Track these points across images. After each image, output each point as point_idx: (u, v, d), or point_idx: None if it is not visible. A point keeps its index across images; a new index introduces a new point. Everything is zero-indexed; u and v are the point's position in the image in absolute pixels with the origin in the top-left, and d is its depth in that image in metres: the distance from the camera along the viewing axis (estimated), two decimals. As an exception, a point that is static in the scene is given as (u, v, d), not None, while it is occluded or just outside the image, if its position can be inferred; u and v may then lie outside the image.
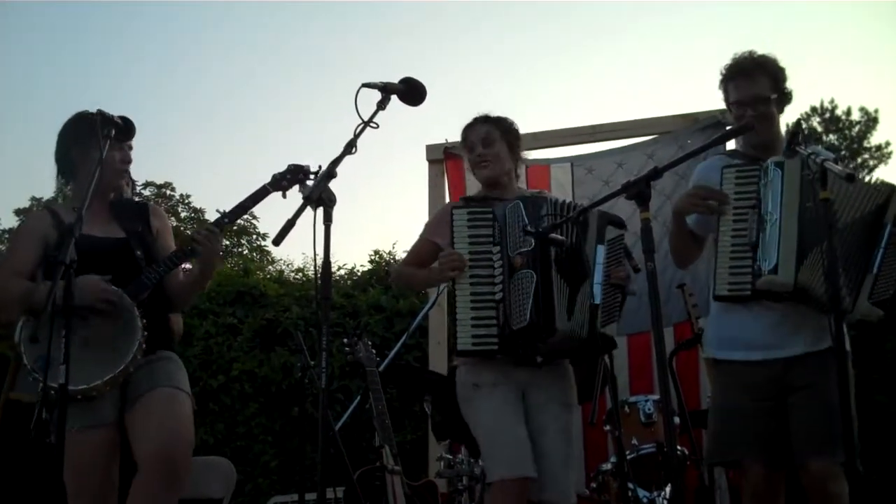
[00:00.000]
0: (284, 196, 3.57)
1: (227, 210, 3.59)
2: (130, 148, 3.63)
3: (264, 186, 3.61)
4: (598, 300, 3.48)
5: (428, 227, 3.93)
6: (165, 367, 3.47)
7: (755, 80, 3.54)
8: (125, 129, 3.47)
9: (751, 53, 3.60)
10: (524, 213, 3.48)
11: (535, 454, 3.44)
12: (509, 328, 3.38)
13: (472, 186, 6.21)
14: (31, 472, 3.85)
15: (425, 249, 3.83)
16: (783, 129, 3.65)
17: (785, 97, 3.62)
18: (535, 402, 3.56)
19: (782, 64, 3.62)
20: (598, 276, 3.51)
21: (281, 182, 3.58)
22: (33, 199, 30.20)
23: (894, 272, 3.37)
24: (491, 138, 3.77)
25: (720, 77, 3.65)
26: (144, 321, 3.36)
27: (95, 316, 3.28)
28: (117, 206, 3.64)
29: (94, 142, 3.34)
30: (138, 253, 3.53)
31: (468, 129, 3.83)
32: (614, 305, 3.57)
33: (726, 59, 3.63)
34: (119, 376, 3.27)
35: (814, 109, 33.12)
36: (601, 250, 3.58)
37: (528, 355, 3.50)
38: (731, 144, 3.95)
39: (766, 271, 3.28)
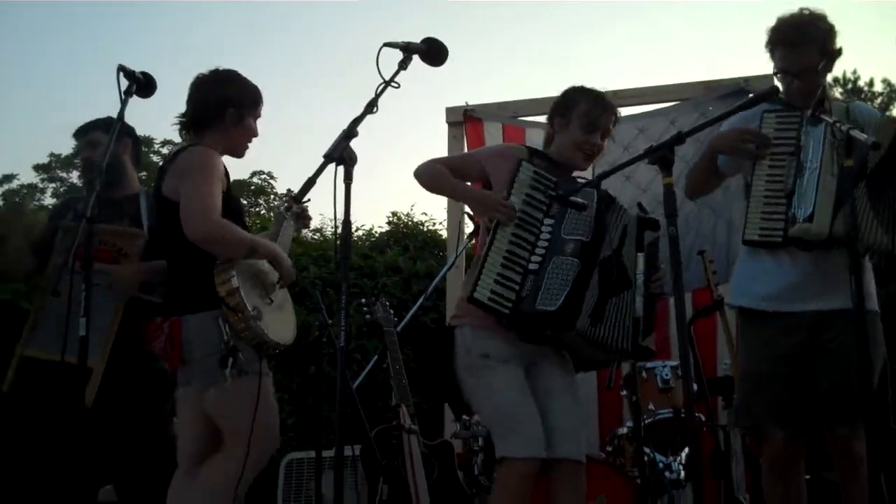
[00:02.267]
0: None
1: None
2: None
3: None
4: (639, 313, 3.37)
5: (486, 152, 3.81)
6: None
7: (802, 50, 3.46)
8: (146, 84, 3.45)
9: (798, 18, 3.50)
10: (596, 202, 3.38)
11: (543, 417, 3.38)
12: (529, 304, 3.30)
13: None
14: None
15: (470, 168, 3.64)
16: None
17: (833, 56, 3.51)
18: (538, 368, 3.48)
19: (831, 20, 3.51)
20: (639, 290, 3.39)
21: None
22: (52, 154, 30.38)
23: None
24: (608, 134, 3.65)
25: (766, 39, 3.56)
26: None
27: (268, 281, 3.49)
28: None
29: (251, 111, 3.54)
30: None
31: (601, 111, 3.59)
32: (651, 315, 3.45)
33: (769, 21, 3.55)
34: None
35: (836, 80, 32.64)
36: (640, 259, 3.46)
37: (534, 335, 3.40)
38: None
39: (802, 219, 3.24)
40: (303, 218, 3.77)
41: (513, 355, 3.41)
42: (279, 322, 3.44)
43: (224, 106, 3.47)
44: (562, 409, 3.46)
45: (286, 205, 3.73)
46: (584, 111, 3.57)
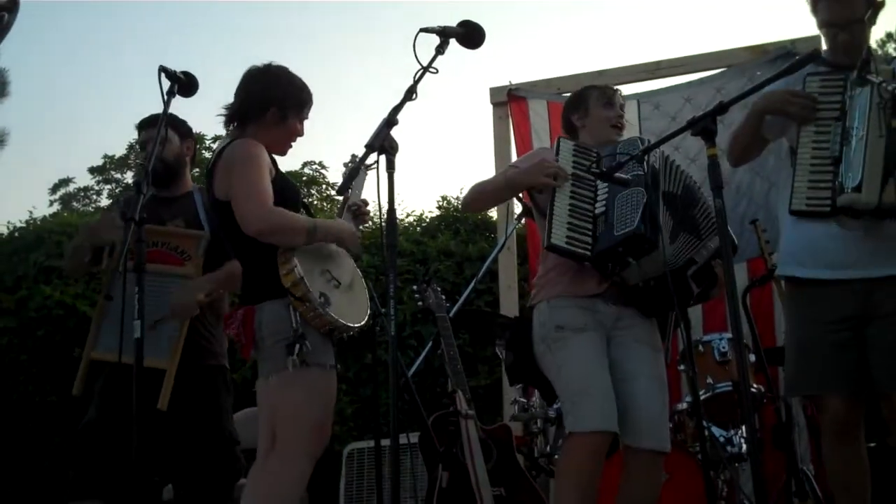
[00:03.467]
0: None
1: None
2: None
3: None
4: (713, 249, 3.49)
5: (522, 161, 3.88)
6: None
7: (847, 1, 3.37)
8: (188, 84, 3.47)
9: None
10: (645, 173, 3.46)
11: (628, 400, 3.39)
12: (608, 236, 3.32)
13: (537, 128, 6.17)
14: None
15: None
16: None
17: (878, 6, 3.42)
18: (622, 346, 3.47)
19: None
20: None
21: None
22: (106, 156, 30.77)
23: None
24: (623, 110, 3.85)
25: None
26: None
27: (336, 262, 3.49)
28: None
29: (295, 112, 3.52)
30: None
31: (612, 91, 3.85)
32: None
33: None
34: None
35: (889, 35, 32.07)
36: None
37: (617, 268, 3.40)
38: None
39: (850, 189, 3.16)
40: (360, 214, 3.75)
41: (589, 323, 3.41)
42: (351, 303, 3.44)
43: (267, 104, 3.46)
44: (646, 393, 3.44)
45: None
46: (596, 96, 3.78)
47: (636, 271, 3.40)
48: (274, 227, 3.21)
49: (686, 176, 3.61)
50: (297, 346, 3.19)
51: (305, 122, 3.62)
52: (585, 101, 3.80)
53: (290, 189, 3.50)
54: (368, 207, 3.83)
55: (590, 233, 3.36)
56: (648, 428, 3.41)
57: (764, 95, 3.49)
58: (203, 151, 26.56)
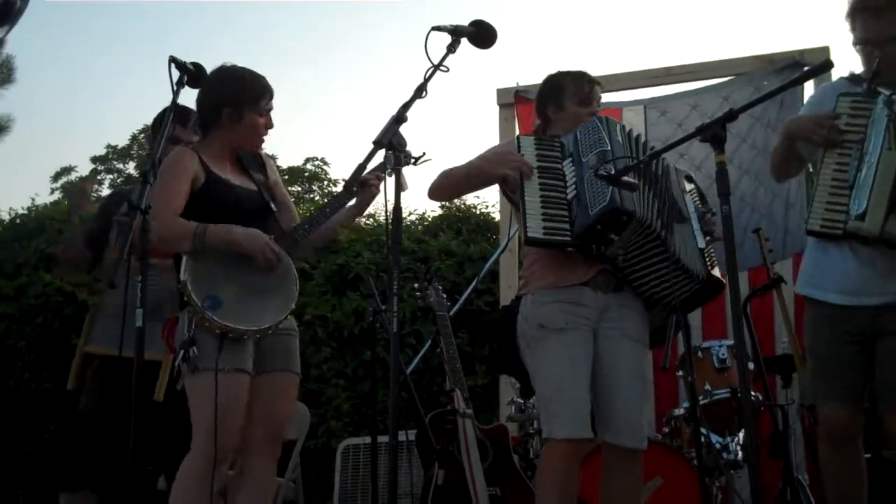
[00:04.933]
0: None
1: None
2: (272, 109, 3.61)
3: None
4: (701, 244, 3.46)
5: (487, 153, 3.75)
6: (293, 345, 3.59)
7: (885, 18, 3.35)
8: (197, 75, 3.46)
9: None
10: (603, 128, 3.44)
11: (608, 397, 3.40)
12: (584, 216, 3.29)
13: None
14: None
15: (480, 172, 3.66)
16: None
17: None
18: (608, 339, 3.44)
19: None
20: (695, 223, 3.49)
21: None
22: (108, 146, 30.82)
23: None
24: (599, 102, 3.78)
25: (847, 8, 3.45)
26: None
27: (248, 266, 3.39)
28: (242, 157, 3.65)
29: (250, 107, 3.47)
30: (272, 205, 3.60)
31: (590, 86, 3.73)
32: (711, 250, 3.53)
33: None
34: (276, 325, 3.41)
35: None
36: (688, 200, 3.58)
37: (600, 245, 3.35)
38: (841, 72, 3.72)
39: (854, 216, 3.19)
40: (368, 186, 3.69)
41: (572, 321, 3.39)
42: (253, 306, 3.37)
43: (219, 107, 3.46)
44: (626, 392, 3.44)
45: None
46: (573, 91, 3.68)
47: (616, 243, 3.37)
48: (161, 235, 3.17)
49: (672, 173, 3.60)
50: (183, 352, 3.22)
51: (272, 113, 3.60)
52: (559, 95, 3.70)
53: (222, 196, 3.45)
54: (375, 203, 3.80)
55: (566, 219, 3.34)
56: (626, 426, 3.42)
57: (794, 119, 3.56)
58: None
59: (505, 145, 3.84)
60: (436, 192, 3.68)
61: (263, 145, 3.68)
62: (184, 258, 3.32)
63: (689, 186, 3.64)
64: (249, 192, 3.56)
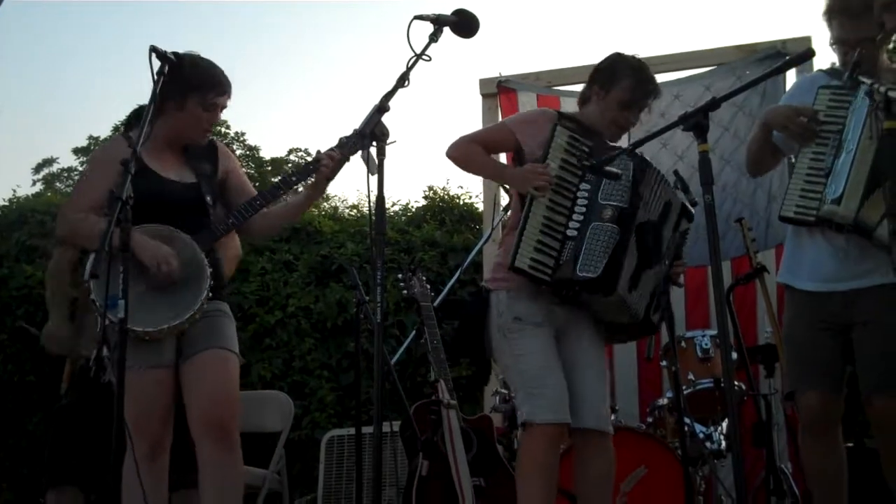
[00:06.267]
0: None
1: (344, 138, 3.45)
2: (224, 108, 3.53)
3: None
4: (661, 288, 3.52)
5: (516, 120, 3.78)
6: (220, 324, 3.47)
7: (861, 20, 3.35)
8: (179, 65, 3.43)
9: None
10: (632, 172, 3.40)
11: (574, 388, 3.44)
12: (569, 269, 3.32)
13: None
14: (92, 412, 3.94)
15: (502, 138, 3.67)
16: None
17: (890, 33, 3.36)
18: (568, 338, 3.52)
19: None
20: (664, 270, 3.54)
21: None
22: (91, 137, 30.63)
23: None
24: (644, 108, 3.65)
25: (825, 7, 3.47)
26: (210, 271, 3.38)
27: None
28: (190, 148, 3.58)
29: (195, 98, 3.38)
30: (208, 198, 3.51)
31: (643, 94, 3.58)
32: (663, 296, 3.56)
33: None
34: (185, 324, 3.30)
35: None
36: (675, 242, 3.64)
37: (572, 299, 3.44)
38: (823, 61, 3.76)
39: (830, 200, 3.21)
40: (318, 164, 3.52)
41: (545, 319, 3.45)
42: (154, 306, 3.27)
43: (165, 96, 3.31)
44: (588, 380, 3.50)
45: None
46: (625, 88, 3.55)
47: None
48: (60, 234, 3.09)
49: (666, 187, 3.57)
50: (96, 351, 3.12)
51: (223, 108, 3.52)
52: (611, 84, 3.56)
53: (146, 188, 3.21)
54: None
55: (555, 254, 3.35)
56: (590, 410, 3.47)
57: (771, 109, 3.56)
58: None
59: (539, 116, 3.67)
60: (455, 160, 3.58)
61: (209, 136, 3.59)
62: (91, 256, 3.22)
63: (684, 227, 3.65)
64: (183, 185, 3.47)
